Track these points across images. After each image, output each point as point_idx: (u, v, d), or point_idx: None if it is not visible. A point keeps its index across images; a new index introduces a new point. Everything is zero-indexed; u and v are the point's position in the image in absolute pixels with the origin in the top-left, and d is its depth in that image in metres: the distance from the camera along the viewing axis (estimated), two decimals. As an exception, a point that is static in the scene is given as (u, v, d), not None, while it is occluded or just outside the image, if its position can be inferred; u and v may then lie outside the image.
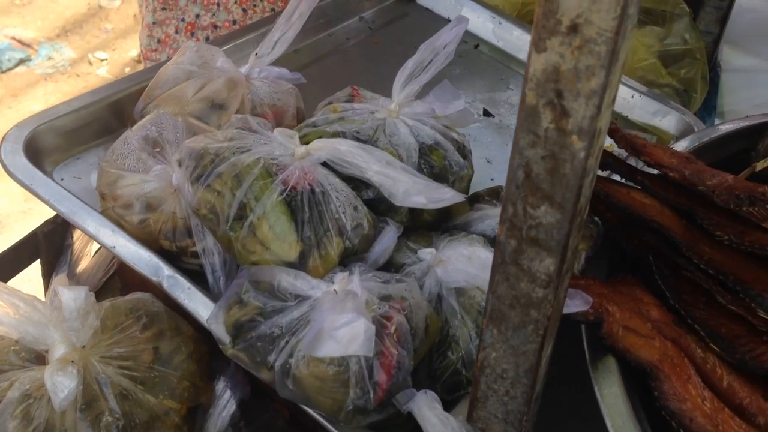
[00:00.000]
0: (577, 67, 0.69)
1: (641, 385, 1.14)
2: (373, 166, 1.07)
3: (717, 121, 2.14)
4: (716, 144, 1.68)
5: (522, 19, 2.09)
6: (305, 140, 1.27)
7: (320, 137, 1.27)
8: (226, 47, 1.65)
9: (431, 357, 1.13)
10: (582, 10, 0.66)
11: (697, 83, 2.07)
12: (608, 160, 1.30)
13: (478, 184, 1.58)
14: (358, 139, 1.26)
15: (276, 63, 1.74)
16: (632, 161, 1.37)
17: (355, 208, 1.12)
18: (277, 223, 1.08)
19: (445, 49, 1.37)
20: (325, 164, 1.17)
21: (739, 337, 1.20)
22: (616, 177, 1.35)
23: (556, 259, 0.81)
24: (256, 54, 1.41)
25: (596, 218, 1.34)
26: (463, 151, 1.35)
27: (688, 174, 1.27)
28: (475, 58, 2.00)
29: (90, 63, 4.89)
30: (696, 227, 1.25)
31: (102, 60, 4.91)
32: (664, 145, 1.35)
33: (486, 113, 1.82)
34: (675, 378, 1.12)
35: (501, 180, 1.65)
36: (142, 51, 2.62)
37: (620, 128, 1.31)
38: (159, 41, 2.43)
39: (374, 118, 1.30)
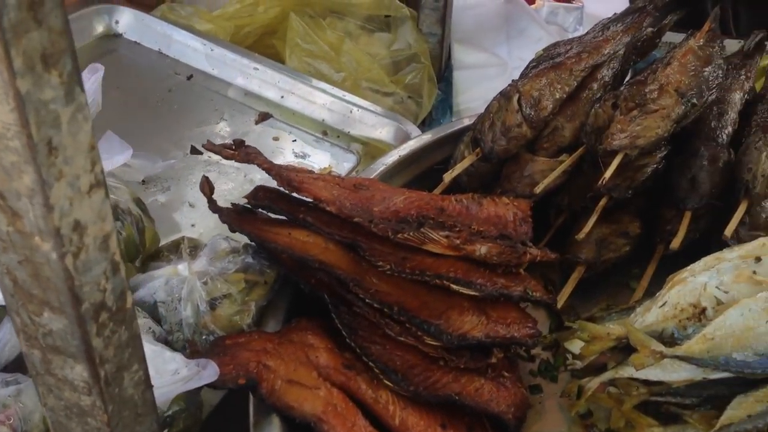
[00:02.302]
0: (3, 166, 0.59)
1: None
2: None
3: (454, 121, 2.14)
4: (425, 151, 1.67)
5: (238, 43, 2.00)
6: None
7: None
8: None
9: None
10: (-24, 104, 0.56)
11: (423, 87, 2.07)
12: (265, 203, 1.23)
13: (172, 232, 1.48)
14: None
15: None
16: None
17: (-42, 306, 0.99)
18: None
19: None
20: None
21: (413, 367, 1.16)
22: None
23: (87, 364, 0.72)
24: None
25: (271, 262, 1.27)
26: (114, 213, 1.24)
27: (349, 205, 1.22)
28: (188, 90, 1.90)
29: None
30: (364, 260, 1.20)
31: None
32: (333, 175, 1.29)
33: (194, 151, 1.72)
34: (340, 427, 1.06)
35: (203, 226, 1.56)
36: None
37: (276, 165, 1.24)
38: None
39: (1, 192, 1.16)
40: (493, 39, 2.24)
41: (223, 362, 1.06)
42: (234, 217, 1.21)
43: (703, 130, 1.55)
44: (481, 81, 2.19)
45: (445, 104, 2.19)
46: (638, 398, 1.20)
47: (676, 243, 1.39)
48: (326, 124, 1.85)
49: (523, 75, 1.63)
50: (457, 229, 1.25)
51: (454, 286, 1.15)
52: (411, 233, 1.17)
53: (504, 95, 1.54)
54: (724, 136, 1.54)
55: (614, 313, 1.36)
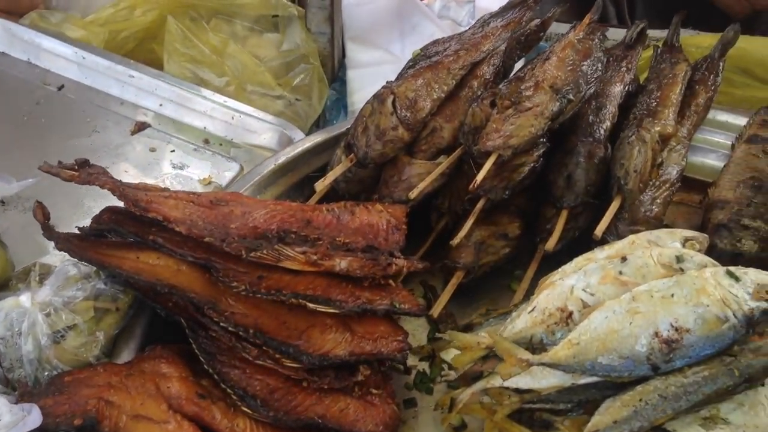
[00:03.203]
0: None
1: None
2: None
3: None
4: (303, 158, 1.62)
5: (115, 50, 1.91)
6: None
7: None
8: None
9: None
10: None
11: (313, 89, 2.01)
12: (110, 225, 1.16)
13: (34, 255, 1.38)
14: None
15: None
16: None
17: None
18: None
19: None
20: None
21: (274, 391, 1.11)
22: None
23: None
24: None
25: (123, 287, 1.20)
26: (-55, 244, 1.16)
27: (202, 223, 1.15)
28: (58, 101, 1.80)
29: None
30: (219, 281, 1.14)
31: None
32: (185, 192, 1.22)
33: (59, 168, 1.62)
34: (190, 463, 1.01)
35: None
36: None
37: (121, 185, 1.17)
38: None
39: None
40: (387, 36, 2.20)
41: (57, 402, 0.99)
42: (75, 243, 1.13)
43: (581, 126, 1.53)
44: (375, 79, 2.12)
45: (339, 104, 2.14)
46: (510, 407, 1.17)
47: (550, 244, 1.37)
48: (208, 132, 1.78)
49: (400, 76, 1.58)
50: (320, 242, 1.20)
51: (311, 305, 1.11)
52: (266, 251, 1.11)
53: (377, 98, 1.49)
54: (602, 131, 1.53)
55: (492, 318, 1.33)
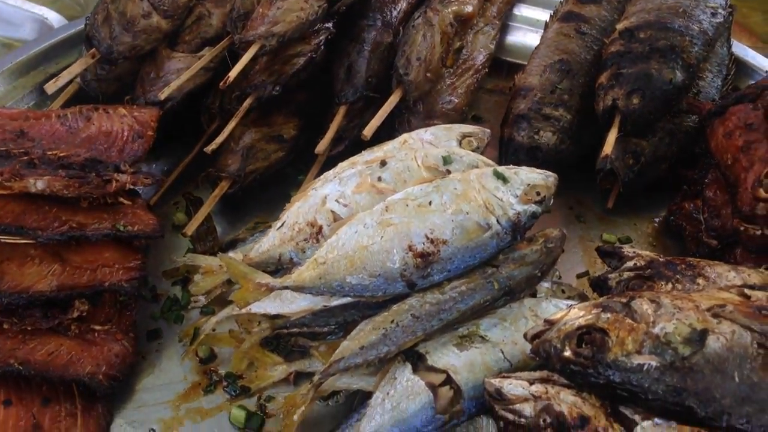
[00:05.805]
0: None
1: None
2: None
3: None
4: (56, 51, 1.39)
5: None
6: None
7: None
8: None
9: None
10: None
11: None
12: None
13: None
14: None
15: None
16: None
17: None
18: None
19: None
20: None
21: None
22: None
23: None
24: None
25: None
26: None
27: None
28: None
29: None
30: None
31: None
32: None
33: None
34: None
35: None
36: None
37: None
38: None
39: None
40: None
41: None
42: None
43: (372, 7, 1.35)
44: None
45: None
46: (260, 334, 1.04)
47: (320, 146, 1.20)
48: (-46, 25, 1.51)
49: (157, -48, 1.35)
50: (26, 158, 1.01)
51: (-7, 237, 0.93)
52: None
53: (122, -22, 1.26)
54: (395, 13, 1.34)
55: (258, 233, 1.18)
